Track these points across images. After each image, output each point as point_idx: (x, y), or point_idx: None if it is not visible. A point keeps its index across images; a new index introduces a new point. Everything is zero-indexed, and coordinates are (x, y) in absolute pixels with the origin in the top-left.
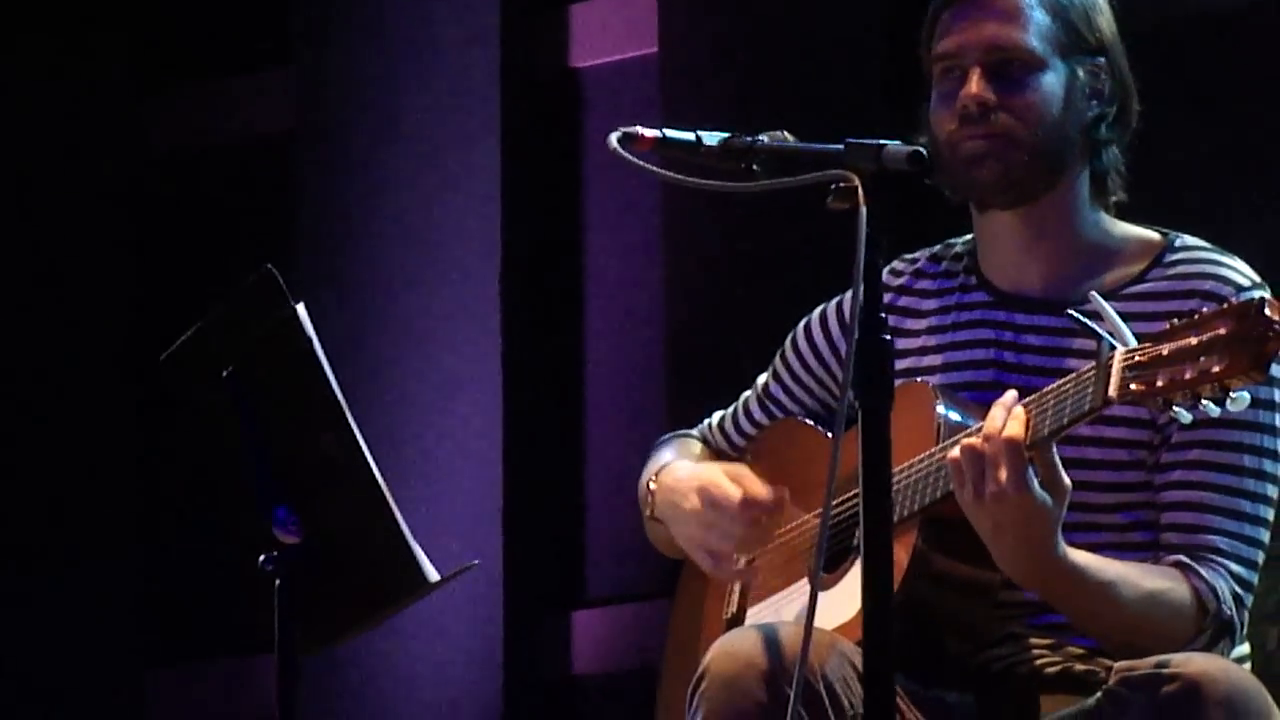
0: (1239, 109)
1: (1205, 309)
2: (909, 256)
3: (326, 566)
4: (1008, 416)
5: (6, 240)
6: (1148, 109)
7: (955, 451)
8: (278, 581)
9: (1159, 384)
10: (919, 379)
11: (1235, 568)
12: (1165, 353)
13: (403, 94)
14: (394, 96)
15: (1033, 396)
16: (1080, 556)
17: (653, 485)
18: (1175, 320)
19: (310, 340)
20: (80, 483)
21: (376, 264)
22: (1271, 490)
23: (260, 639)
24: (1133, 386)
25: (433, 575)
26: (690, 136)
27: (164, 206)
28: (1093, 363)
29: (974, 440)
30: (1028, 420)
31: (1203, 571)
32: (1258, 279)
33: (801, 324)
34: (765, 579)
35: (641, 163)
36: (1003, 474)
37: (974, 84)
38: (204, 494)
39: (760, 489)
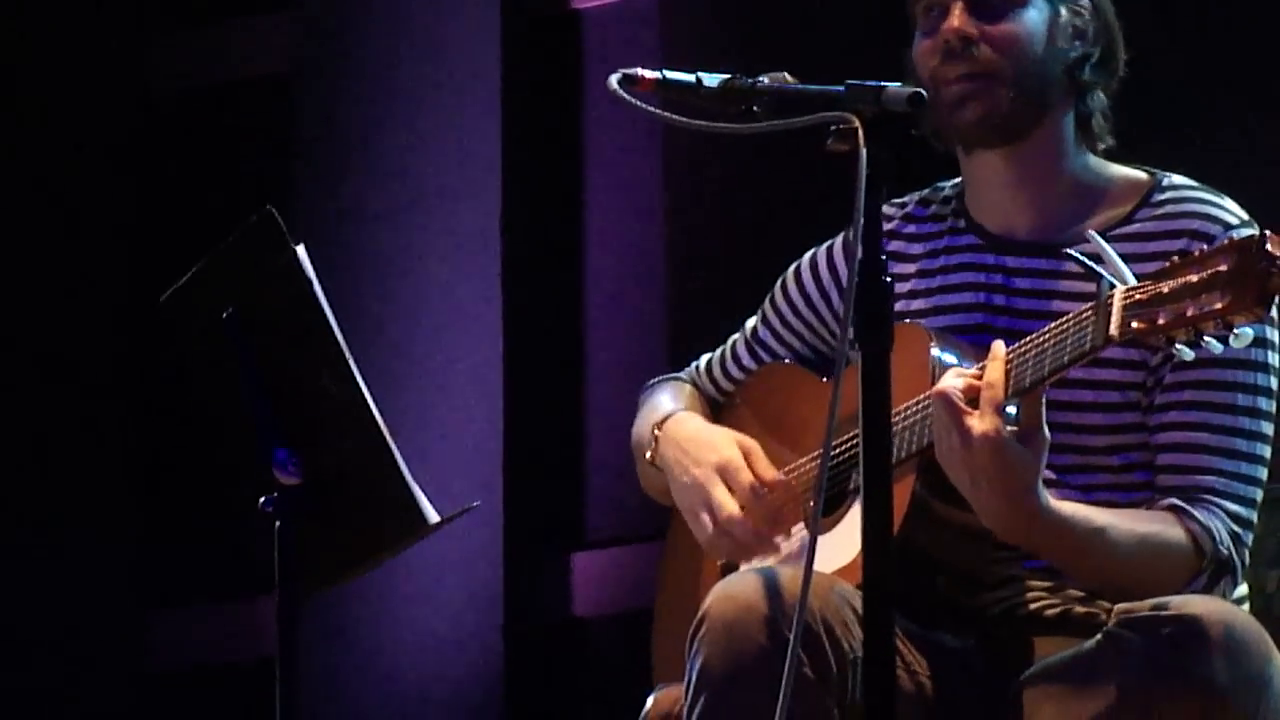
0: (1239, 41)
1: (1204, 247)
2: (897, 200)
3: (327, 508)
4: (987, 365)
5: (7, 184)
6: (1149, 44)
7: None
8: (278, 523)
9: (1160, 322)
10: (908, 321)
11: (1232, 506)
12: (1166, 290)
13: (401, 35)
14: (393, 38)
15: (1030, 338)
16: (1065, 507)
17: (658, 432)
18: (1175, 258)
19: (310, 282)
20: (81, 425)
21: (376, 206)
22: (1267, 427)
23: (261, 580)
24: (1134, 325)
25: (433, 516)
26: (690, 78)
27: (164, 149)
28: (1090, 303)
29: (947, 388)
30: (1008, 371)
31: (1197, 513)
32: (1246, 216)
33: (791, 268)
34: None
35: (642, 104)
36: (974, 423)
37: (955, 17)
38: (204, 436)
39: (772, 473)
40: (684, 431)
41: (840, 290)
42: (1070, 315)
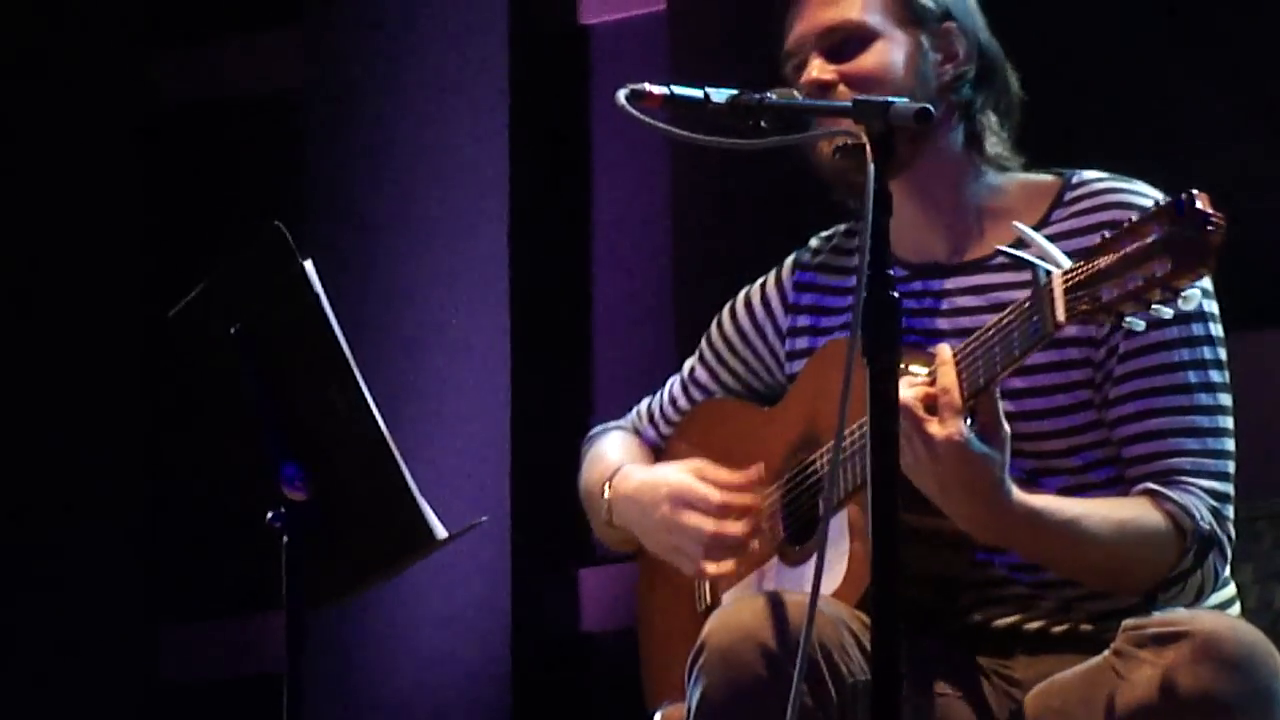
0: (1216, 31)
1: (1133, 217)
2: (824, 234)
3: (334, 523)
4: (937, 370)
5: (17, 195)
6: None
7: None
8: (285, 538)
9: (1105, 299)
10: (839, 335)
11: (1205, 483)
12: (1104, 266)
13: (411, 50)
14: (402, 52)
15: (973, 338)
16: (1038, 500)
17: (609, 494)
18: (1105, 233)
19: (318, 297)
20: (89, 439)
21: (384, 221)
22: (1225, 398)
23: (269, 595)
24: (1082, 307)
25: (440, 532)
26: (698, 93)
27: (174, 163)
28: (1028, 293)
29: (905, 399)
30: (959, 374)
31: (1172, 494)
32: (1161, 196)
33: (726, 306)
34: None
35: (650, 120)
36: (935, 429)
37: (812, 69)
38: (212, 450)
39: (729, 475)
40: (630, 485)
41: (775, 327)
42: (1010, 309)
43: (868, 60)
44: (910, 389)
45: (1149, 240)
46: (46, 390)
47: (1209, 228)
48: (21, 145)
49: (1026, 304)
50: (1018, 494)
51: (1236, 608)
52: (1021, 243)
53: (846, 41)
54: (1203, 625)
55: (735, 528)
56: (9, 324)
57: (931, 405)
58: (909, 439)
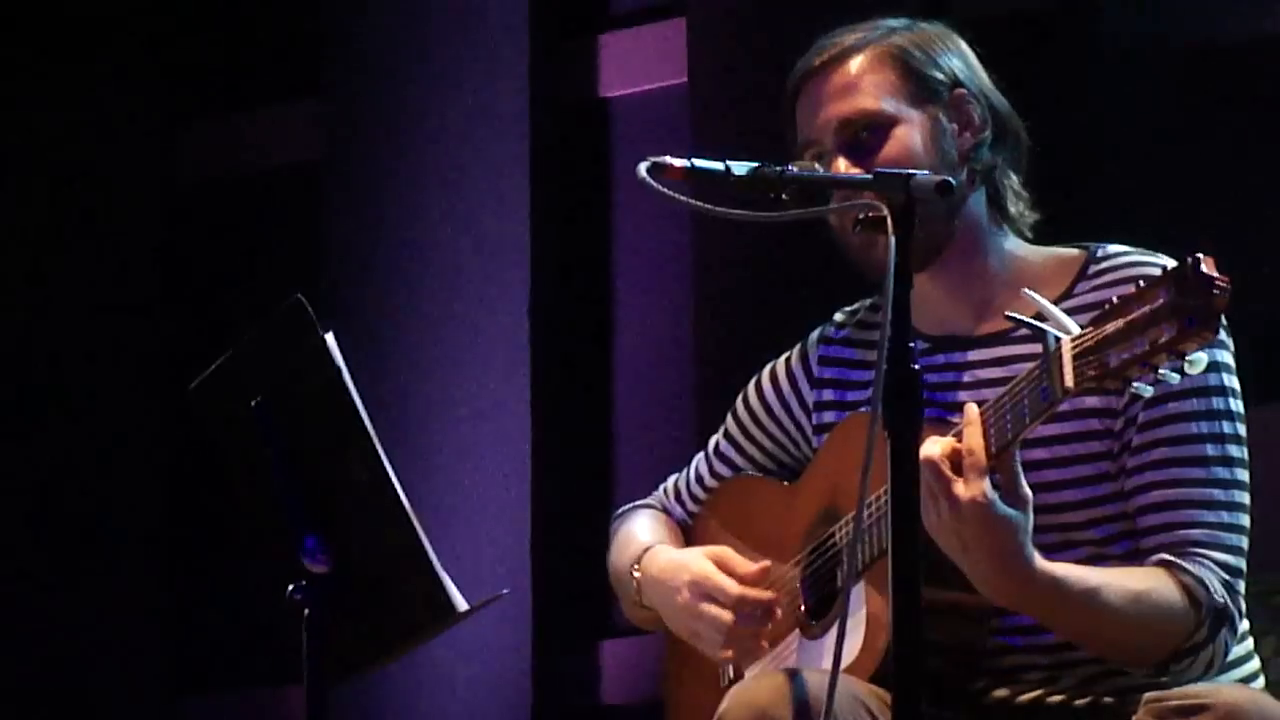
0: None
1: (1142, 282)
2: (848, 309)
3: (355, 596)
4: (964, 430)
5: (39, 269)
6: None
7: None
8: (306, 611)
9: (1113, 364)
10: (862, 409)
11: (1220, 556)
12: (1111, 332)
13: (430, 124)
14: (422, 126)
15: (990, 403)
16: (1058, 568)
17: (637, 574)
18: (1114, 299)
19: (339, 369)
20: (111, 511)
21: (405, 294)
22: (1242, 474)
23: (289, 668)
24: (1090, 373)
25: (461, 605)
26: (719, 166)
27: (194, 235)
28: (1039, 360)
29: (933, 456)
30: (985, 430)
31: (1188, 566)
32: None
33: (751, 383)
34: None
35: (670, 192)
36: (960, 489)
37: (838, 171)
38: (233, 523)
39: (749, 567)
40: (657, 566)
41: (800, 401)
42: (1020, 376)
43: (891, 150)
44: (936, 445)
45: (1156, 305)
46: (68, 462)
47: (1215, 291)
48: (42, 217)
49: (1036, 370)
50: (1039, 560)
51: (1260, 681)
52: (1040, 316)
53: (866, 131)
54: (1224, 698)
55: (752, 622)
56: (32, 395)
57: (957, 464)
58: (934, 497)
